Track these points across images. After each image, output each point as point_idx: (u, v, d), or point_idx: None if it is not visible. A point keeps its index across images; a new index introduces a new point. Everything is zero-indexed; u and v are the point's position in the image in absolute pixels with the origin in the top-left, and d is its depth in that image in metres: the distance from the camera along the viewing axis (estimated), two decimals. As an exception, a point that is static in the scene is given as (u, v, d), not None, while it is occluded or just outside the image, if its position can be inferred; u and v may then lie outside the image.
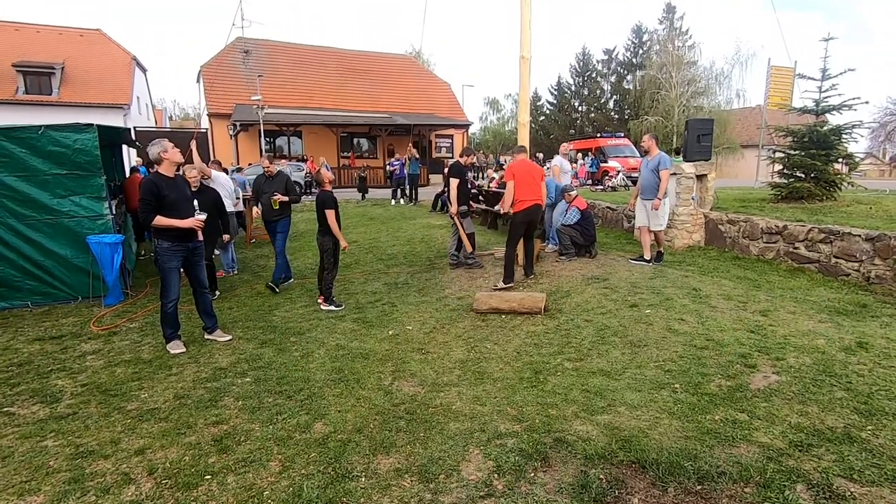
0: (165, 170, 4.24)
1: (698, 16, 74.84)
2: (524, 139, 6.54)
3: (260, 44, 28.41)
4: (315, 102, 26.98)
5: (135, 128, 19.99)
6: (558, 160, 8.30)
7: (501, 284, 5.95)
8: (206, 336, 4.71)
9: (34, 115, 21.43)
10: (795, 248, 6.49)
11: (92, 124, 5.97)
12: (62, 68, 23.07)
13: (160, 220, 4.11)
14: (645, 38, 40.87)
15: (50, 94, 22.37)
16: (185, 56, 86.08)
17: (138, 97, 26.46)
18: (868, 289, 5.52)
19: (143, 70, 29.35)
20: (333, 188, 5.82)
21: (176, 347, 4.40)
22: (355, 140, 27.69)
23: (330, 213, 5.49)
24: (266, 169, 6.81)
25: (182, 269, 4.48)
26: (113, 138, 8.30)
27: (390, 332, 4.80)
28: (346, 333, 4.82)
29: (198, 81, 28.15)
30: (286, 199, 6.57)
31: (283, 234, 6.79)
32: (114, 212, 6.66)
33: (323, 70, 29.51)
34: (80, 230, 6.12)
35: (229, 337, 4.71)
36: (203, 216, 4.37)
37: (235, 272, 7.63)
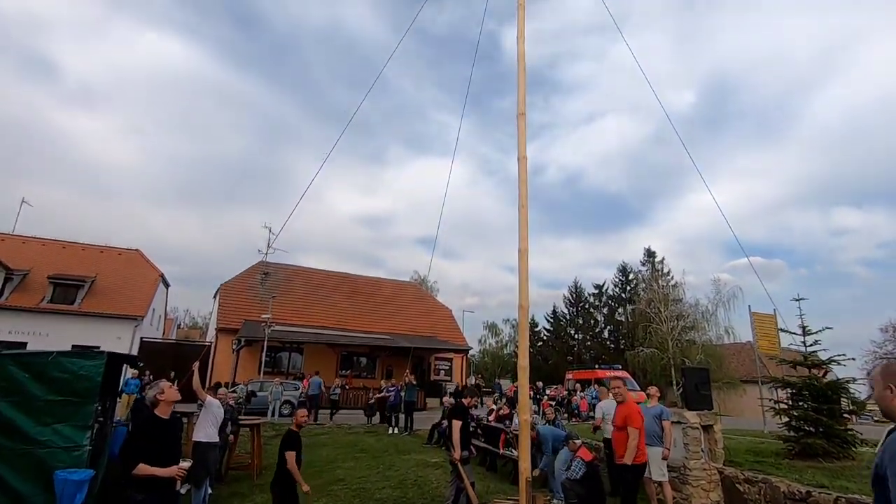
0: (161, 411, 4.18)
1: (676, 260, 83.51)
2: (524, 383, 6.59)
3: (279, 268, 31.11)
4: (320, 321, 28.07)
5: (142, 339, 20.42)
6: (604, 406, 7.62)
7: None
8: None
9: (49, 321, 22.28)
10: (827, 521, 5.87)
11: (103, 353, 6.15)
12: (92, 281, 24.79)
13: (141, 469, 3.87)
14: (631, 276, 44.58)
15: (72, 304, 23.52)
16: (204, 268, 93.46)
17: (153, 308, 27.72)
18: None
19: (167, 285, 31.51)
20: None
21: None
22: (355, 358, 27.87)
23: (290, 456, 5.27)
24: None
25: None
26: (118, 360, 8.42)
27: None
28: None
29: (214, 297, 29.87)
30: None
31: None
32: (94, 440, 6.31)
33: (333, 293, 31.57)
34: (50, 462, 5.71)
35: None
36: (187, 464, 4.13)
37: (204, 515, 6.79)
